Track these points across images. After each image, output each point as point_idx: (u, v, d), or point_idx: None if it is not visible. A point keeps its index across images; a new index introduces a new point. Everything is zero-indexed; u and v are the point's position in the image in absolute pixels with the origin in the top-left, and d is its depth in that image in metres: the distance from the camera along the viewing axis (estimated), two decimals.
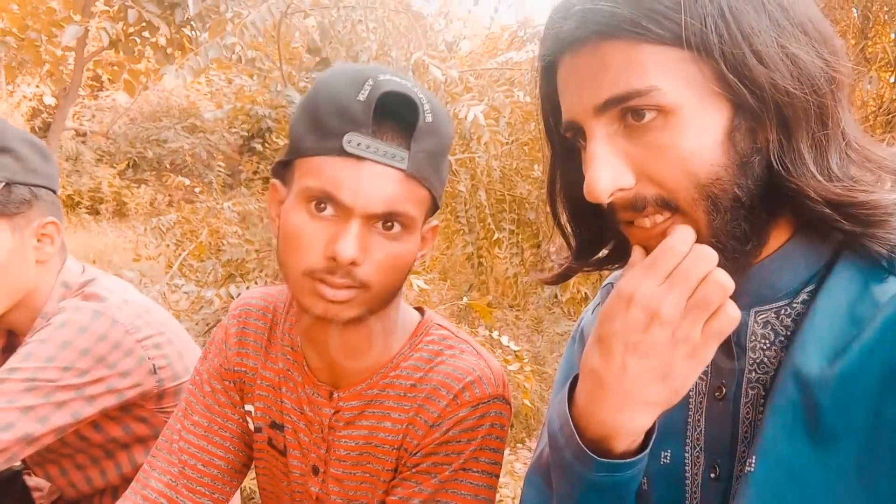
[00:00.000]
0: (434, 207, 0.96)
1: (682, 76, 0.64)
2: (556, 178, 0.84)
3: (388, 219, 0.87)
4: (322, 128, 0.85)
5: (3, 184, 1.22)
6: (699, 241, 0.66)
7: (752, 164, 0.65)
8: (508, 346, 2.57)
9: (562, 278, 0.88)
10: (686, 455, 0.75)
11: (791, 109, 0.64)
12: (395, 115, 0.85)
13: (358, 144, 0.83)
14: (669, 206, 0.66)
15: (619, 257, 0.85)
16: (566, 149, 0.79)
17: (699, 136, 0.64)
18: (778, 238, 0.71)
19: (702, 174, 0.64)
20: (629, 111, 0.65)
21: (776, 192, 0.66)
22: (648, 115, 0.64)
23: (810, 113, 0.64)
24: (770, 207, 0.68)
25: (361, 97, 0.83)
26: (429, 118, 0.86)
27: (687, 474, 0.75)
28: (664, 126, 0.64)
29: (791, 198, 0.66)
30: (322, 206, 0.86)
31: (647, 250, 0.69)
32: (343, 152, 0.83)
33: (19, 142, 1.26)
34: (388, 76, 0.86)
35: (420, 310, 1.09)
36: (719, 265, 0.65)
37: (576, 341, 0.98)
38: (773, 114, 0.64)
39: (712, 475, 0.72)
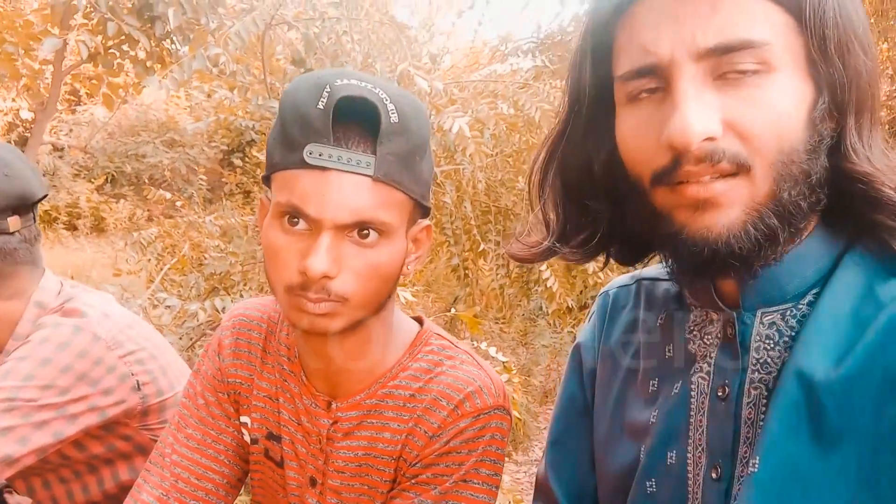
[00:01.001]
0: (421, 208, 0.94)
1: (787, 42, 0.64)
2: (559, 145, 0.81)
3: (361, 227, 0.84)
4: (287, 140, 0.84)
5: None
6: (760, 209, 0.65)
7: (823, 147, 0.66)
8: (496, 358, 2.56)
9: (539, 257, 0.85)
10: (688, 455, 0.75)
11: (865, 101, 0.66)
12: (358, 119, 0.82)
13: (320, 155, 0.81)
14: (744, 167, 0.64)
15: (604, 246, 0.83)
16: (594, 107, 0.76)
17: (791, 103, 0.64)
18: (806, 231, 0.71)
19: (786, 141, 0.63)
20: (731, 63, 0.63)
21: (835, 179, 0.67)
22: (750, 71, 0.63)
23: (872, 107, 0.66)
24: (823, 195, 0.68)
25: (321, 105, 0.81)
26: (394, 118, 0.83)
27: (689, 475, 0.75)
28: (762, 84, 0.63)
29: (844, 189, 0.66)
30: (295, 220, 0.84)
31: (679, 222, 0.67)
32: (306, 164, 0.82)
33: None
34: (346, 80, 0.83)
35: (419, 320, 1.08)
36: (769, 235, 0.64)
37: (574, 358, 0.97)
38: (854, 102, 0.65)
39: (714, 475, 0.72)
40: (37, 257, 1.33)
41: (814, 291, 0.70)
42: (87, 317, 1.27)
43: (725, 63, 0.63)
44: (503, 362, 2.62)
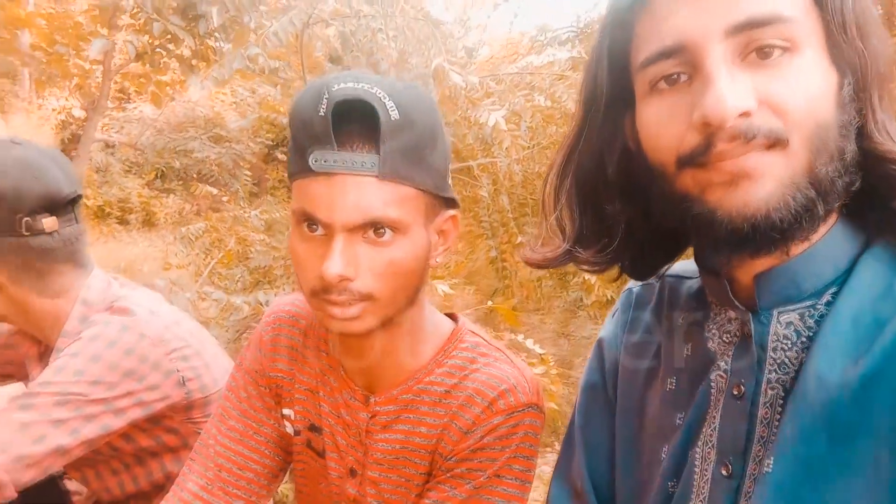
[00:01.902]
0: (441, 199, 0.94)
1: (811, 22, 0.64)
2: (575, 148, 0.81)
3: (375, 227, 0.86)
4: (297, 149, 0.86)
5: None
6: (797, 181, 0.64)
7: (853, 128, 0.66)
8: (533, 350, 2.57)
9: (554, 263, 0.85)
10: (698, 451, 0.75)
11: (884, 83, 0.66)
12: (359, 120, 0.83)
13: (325, 161, 0.83)
14: (780, 141, 0.63)
15: (619, 256, 0.83)
16: (610, 105, 0.76)
17: (821, 82, 0.64)
18: (825, 226, 0.70)
19: (821, 117, 0.64)
20: (760, 39, 0.63)
21: (862, 162, 0.67)
22: (775, 53, 0.63)
23: (888, 89, 0.67)
24: (857, 176, 0.67)
25: (321, 111, 0.82)
26: (394, 115, 0.83)
27: (696, 469, 0.74)
28: (790, 63, 0.63)
29: (871, 172, 0.66)
30: (313, 226, 0.87)
31: (712, 201, 0.66)
32: (313, 171, 0.84)
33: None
34: (343, 83, 0.83)
35: (453, 317, 1.10)
36: (808, 207, 0.64)
37: (597, 352, 0.98)
38: (876, 83, 0.66)
39: (724, 472, 0.71)
40: (80, 256, 1.36)
41: (832, 291, 0.69)
42: (135, 315, 1.32)
43: (754, 39, 0.63)
44: (540, 354, 2.63)
